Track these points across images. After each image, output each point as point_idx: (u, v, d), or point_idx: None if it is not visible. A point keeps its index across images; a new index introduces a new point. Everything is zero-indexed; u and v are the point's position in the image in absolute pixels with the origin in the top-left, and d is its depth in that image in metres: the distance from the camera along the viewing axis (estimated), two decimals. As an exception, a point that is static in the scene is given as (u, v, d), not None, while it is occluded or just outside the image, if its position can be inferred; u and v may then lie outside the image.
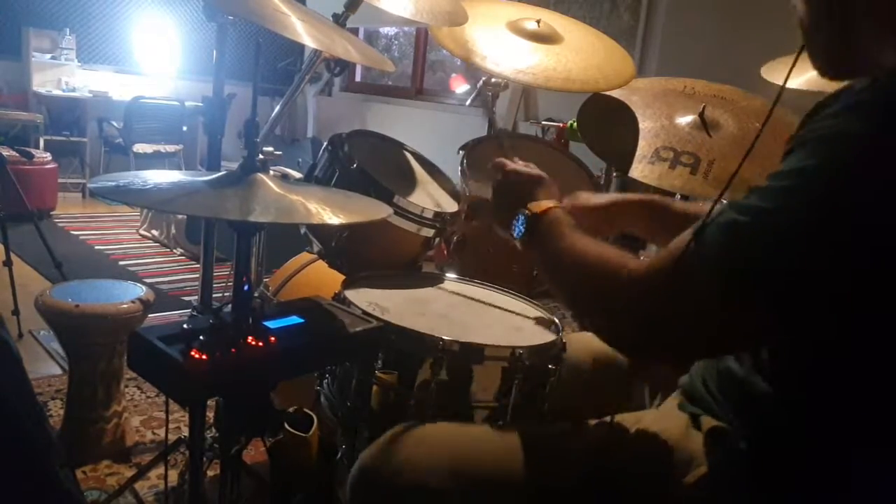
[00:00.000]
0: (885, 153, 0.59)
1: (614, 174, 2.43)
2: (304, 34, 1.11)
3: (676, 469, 0.82)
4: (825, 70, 0.75)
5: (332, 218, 0.95)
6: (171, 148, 5.53)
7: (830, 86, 0.74)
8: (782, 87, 0.79)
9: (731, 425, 0.81)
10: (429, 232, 1.44)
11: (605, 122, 1.82)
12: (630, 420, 0.95)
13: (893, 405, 0.68)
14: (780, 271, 0.63)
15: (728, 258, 0.66)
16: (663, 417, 0.92)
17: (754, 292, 0.64)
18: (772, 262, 0.63)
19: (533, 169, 1.10)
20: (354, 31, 6.04)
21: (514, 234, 1.01)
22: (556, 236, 0.92)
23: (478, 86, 2.08)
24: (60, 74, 5.56)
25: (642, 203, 1.16)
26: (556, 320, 1.26)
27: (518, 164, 1.11)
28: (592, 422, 0.97)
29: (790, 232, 0.63)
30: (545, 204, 0.98)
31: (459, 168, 1.66)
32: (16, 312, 2.64)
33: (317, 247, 1.51)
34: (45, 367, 2.46)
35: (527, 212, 0.99)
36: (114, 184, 0.93)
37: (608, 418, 0.96)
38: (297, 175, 3.00)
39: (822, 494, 0.73)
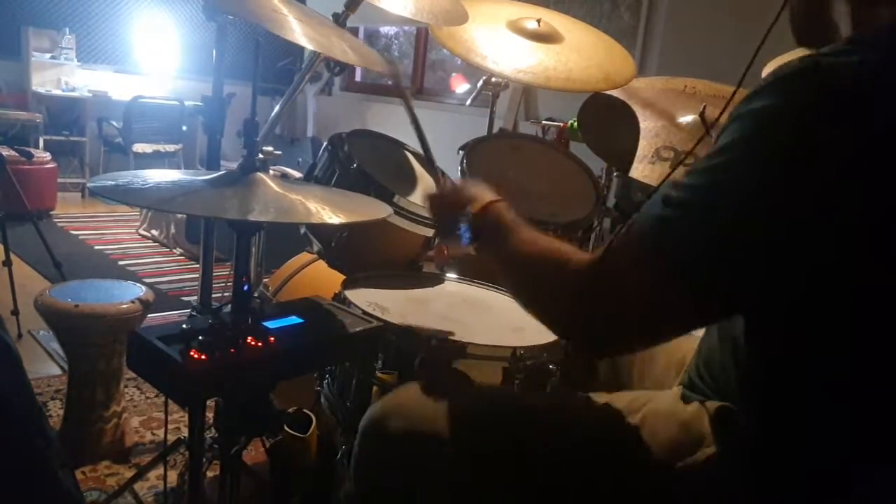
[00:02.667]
0: (802, 122, 0.62)
1: (615, 174, 2.43)
2: (302, 35, 1.11)
3: (685, 447, 0.82)
4: (796, 35, 0.80)
5: (332, 218, 0.95)
6: (170, 147, 5.53)
7: None
8: (745, 72, 0.82)
9: (734, 406, 0.81)
10: (429, 232, 1.44)
11: (606, 121, 1.82)
12: (644, 396, 0.95)
13: (882, 396, 0.69)
14: (709, 252, 0.65)
15: (662, 238, 0.68)
16: (676, 397, 0.91)
17: (685, 273, 0.66)
18: (701, 244, 0.66)
19: (456, 180, 1.09)
20: (354, 31, 6.05)
21: (464, 242, 0.99)
22: (501, 233, 0.92)
23: (478, 85, 2.08)
24: (60, 74, 5.55)
25: None
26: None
27: (444, 184, 1.10)
28: (602, 397, 0.96)
29: (718, 204, 0.65)
30: (483, 200, 0.97)
31: (459, 168, 1.66)
32: (15, 312, 2.64)
33: (317, 247, 1.51)
34: (45, 367, 2.46)
35: (468, 214, 0.97)
36: (113, 183, 0.93)
37: (618, 394, 0.96)
38: (297, 175, 3.00)
39: (827, 479, 0.74)
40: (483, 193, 0.99)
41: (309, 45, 1.12)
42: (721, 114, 0.82)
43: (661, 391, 0.97)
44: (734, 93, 0.82)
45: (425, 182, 1.59)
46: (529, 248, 0.86)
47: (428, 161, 1.33)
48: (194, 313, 1.12)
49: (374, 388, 1.11)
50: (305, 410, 1.34)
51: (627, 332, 0.75)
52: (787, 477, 0.75)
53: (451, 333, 1.13)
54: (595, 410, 0.93)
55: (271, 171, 1.26)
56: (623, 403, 0.93)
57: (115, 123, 5.35)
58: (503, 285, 0.93)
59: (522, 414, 0.93)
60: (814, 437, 0.73)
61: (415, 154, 1.67)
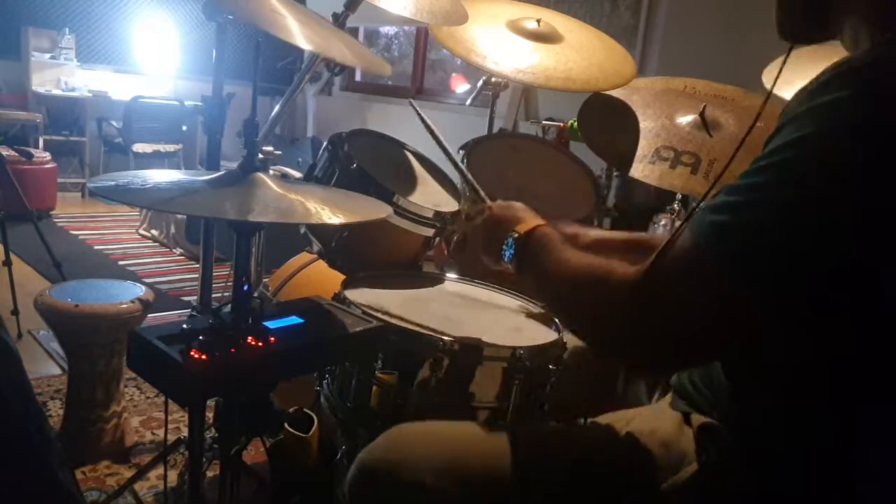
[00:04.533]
0: (879, 114, 0.59)
1: (615, 174, 2.43)
2: (301, 36, 1.11)
3: (668, 467, 0.83)
4: (785, 28, 0.77)
5: (332, 218, 0.95)
6: (170, 147, 5.53)
7: None
8: (772, 85, 0.79)
9: (721, 422, 0.81)
10: (429, 232, 1.44)
11: (606, 121, 1.81)
12: (623, 418, 0.96)
13: (888, 400, 0.68)
14: (780, 249, 0.61)
15: (723, 243, 0.64)
16: (656, 415, 0.92)
17: (754, 276, 0.62)
18: (769, 241, 0.61)
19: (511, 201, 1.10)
20: (354, 31, 6.06)
21: (505, 259, 1.00)
22: (545, 252, 0.92)
23: (478, 85, 2.08)
24: (60, 74, 5.55)
25: (626, 242, 1.17)
26: (557, 320, 1.26)
27: (499, 203, 1.11)
28: (585, 420, 0.98)
29: (791, 204, 0.61)
30: (531, 223, 0.99)
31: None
32: (15, 312, 2.64)
33: (317, 247, 1.51)
34: (45, 367, 2.46)
35: (514, 233, 0.99)
36: (113, 183, 0.92)
37: (599, 417, 0.96)
38: (297, 175, 3.00)
39: (813, 492, 0.73)
40: (531, 216, 1.00)
41: (307, 47, 1.12)
42: (754, 122, 0.77)
43: (642, 408, 0.98)
44: (764, 102, 0.79)
45: (425, 182, 1.59)
46: (572, 262, 0.85)
47: (471, 188, 1.34)
48: (194, 313, 1.12)
49: (374, 388, 1.11)
50: (306, 410, 1.34)
51: (680, 345, 0.70)
52: (782, 490, 0.74)
53: (450, 335, 1.13)
54: (579, 438, 0.94)
55: (271, 171, 1.26)
56: (603, 427, 0.93)
57: (115, 123, 5.36)
58: (548, 306, 0.92)
59: (505, 450, 0.91)
60: (813, 450, 0.72)
61: (415, 153, 1.67)
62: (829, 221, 0.59)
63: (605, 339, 0.78)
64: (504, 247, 1.00)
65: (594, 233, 1.22)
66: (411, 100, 1.51)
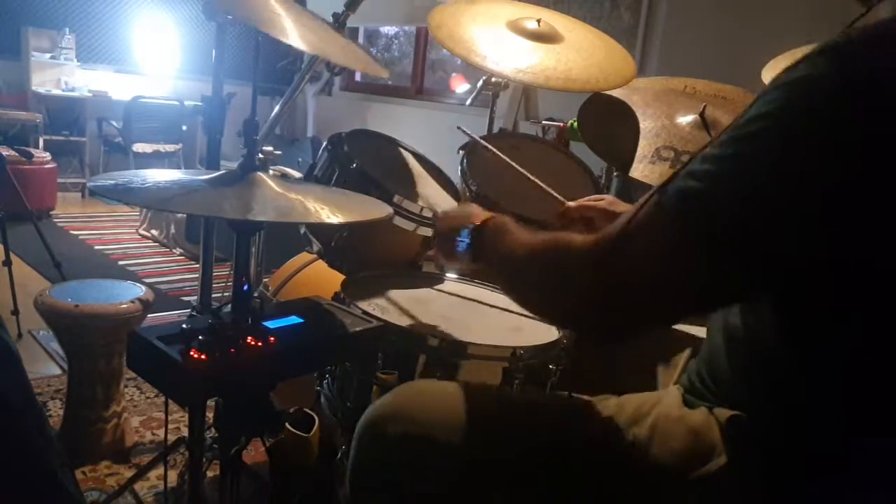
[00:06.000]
0: (850, 91, 0.59)
1: (615, 174, 2.43)
2: (298, 37, 1.11)
3: (697, 456, 0.80)
4: None
5: (332, 217, 0.95)
6: (170, 147, 5.53)
7: None
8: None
9: (745, 416, 0.79)
10: (429, 232, 1.44)
11: (606, 121, 1.81)
12: (651, 400, 0.91)
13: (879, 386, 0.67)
14: (738, 218, 0.62)
15: (686, 208, 0.65)
16: (681, 404, 0.88)
17: (714, 242, 0.63)
18: (730, 210, 0.62)
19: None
20: (354, 30, 6.07)
21: (460, 249, 0.99)
22: (500, 236, 0.91)
23: (478, 85, 2.08)
24: (60, 74, 5.55)
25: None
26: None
27: (446, 212, 1.11)
28: (610, 399, 0.94)
29: (762, 174, 0.61)
30: (485, 215, 0.98)
31: (459, 168, 1.66)
32: (15, 312, 2.64)
33: (316, 247, 1.51)
34: (45, 367, 2.46)
35: (469, 225, 0.98)
36: (113, 183, 0.93)
37: (625, 396, 0.93)
38: (297, 175, 3.00)
39: (839, 485, 0.72)
40: (485, 213, 1.00)
41: (305, 48, 1.12)
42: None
43: (665, 391, 0.95)
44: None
45: (425, 182, 1.59)
46: (529, 240, 0.85)
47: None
48: (194, 313, 1.12)
49: (374, 388, 1.11)
50: (306, 410, 1.34)
51: (646, 306, 0.70)
52: (805, 488, 0.73)
53: (449, 335, 1.13)
54: (602, 412, 0.91)
55: (271, 171, 1.26)
56: (632, 407, 0.90)
57: (115, 123, 5.36)
58: (508, 293, 0.91)
59: (525, 414, 0.91)
60: (835, 443, 0.71)
61: (415, 154, 1.67)
62: (788, 195, 0.60)
63: (573, 312, 0.77)
64: (459, 239, 0.99)
65: (623, 206, 1.21)
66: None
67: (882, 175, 0.58)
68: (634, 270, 0.68)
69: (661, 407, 0.88)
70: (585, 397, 0.96)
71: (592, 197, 1.21)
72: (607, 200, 1.20)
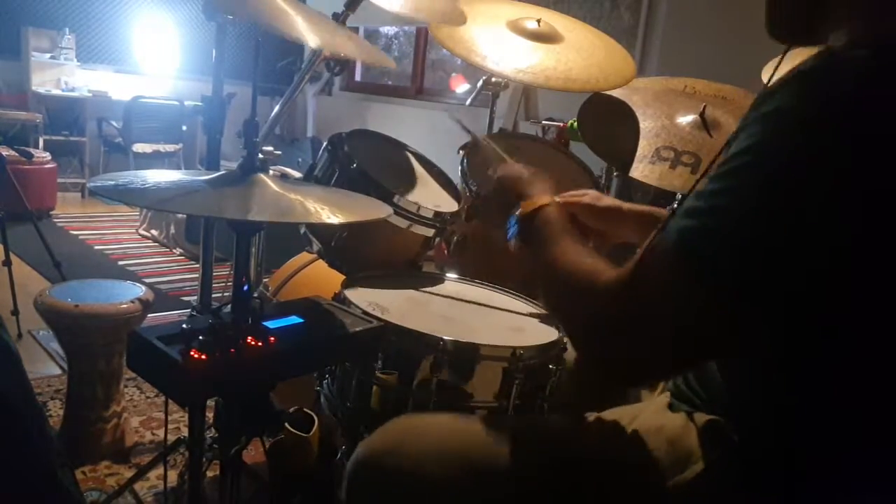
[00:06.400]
0: (820, 123, 0.60)
1: (615, 174, 2.43)
2: (307, 32, 1.11)
3: (674, 465, 0.82)
4: (772, 27, 0.77)
5: (332, 217, 0.95)
6: (170, 147, 5.53)
7: None
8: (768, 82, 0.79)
9: (723, 420, 0.80)
10: (428, 232, 1.44)
11: (606, 121, 1.81)
12: (629, 414, 0.95)
13: (883, 399, 0.68)
14: (736, 253, 0.63)
15: (687, 248, 0.66)
16: (663, 412, 0.91)
17: (717, 279, 0.64)
18: (728, 245, 0.63)
19: (526, 168, 1.10)
20: (354, 31, 6.04)
21: (509, 237, 1.01)
22: (544, 240, 0.92)
23: (478, 85, 2.08)
24: (60, 74, 5.55)
25: (642, 214, 1.16)
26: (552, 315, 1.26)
27: (513, 165, 1.11)
28: (591, 416, 0.97)
29: (744, 212, 0.63)
30: (536, 202, 0.99)
31: (459, 168, 1.66)
32: (15, 312, 2.64)
33: (316, 247, 1.51)
34: (45, 367, 2.46)
35: (518, 212, 0.99)
36: (113, 183, 0.92)
37: (604, 413, 0.95)
38: (297, 175, 3.00)
39: (827, 491, 0.73)
40: (539, 194, 1.00)
41: (315, 42, 1.11)
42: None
43: (646, 403, 0.96)
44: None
45: (425, 182, 1.59)
46: (567, 258, 0.86)
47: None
48: (194, 313, 1.12)
49: (374, 387, 1.11)
50: (306, 410, 1.34)
51: (652, 350, 0.70)
52: (787, 490, 0.74)
53: (449, 335, 1.13)
54: (584, 433, 0.93)
55: (271, 172, 1.26)
56: (609, 423, 0.92)
57: (115, 123, 5.36)
58: (538, 289, 0.92)
59: (514, 440, 0.91)
60: (818, 448, 0.72)
61: (415, 154, 1.67)
62: (776, 226, 0.61)
63: (582, 341, 0.79)
64: (508, 224, 1.01)
65: (611, 202, 1.20)
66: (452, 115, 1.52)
67: (858, 202, 0.59)
68: (642, 310, 0.69)
69: (639, 420, 0.91)
70: (565, 418, 0.97)
71: (576, 192, 1.19)
72: (592, 196, 1.19)
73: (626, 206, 1.19)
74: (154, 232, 4.39)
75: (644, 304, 0.69)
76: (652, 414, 0.92)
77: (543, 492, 0.87)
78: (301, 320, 1.05)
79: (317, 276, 1.81)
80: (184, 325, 0.93)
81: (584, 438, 0.93)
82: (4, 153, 3.31)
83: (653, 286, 0.68)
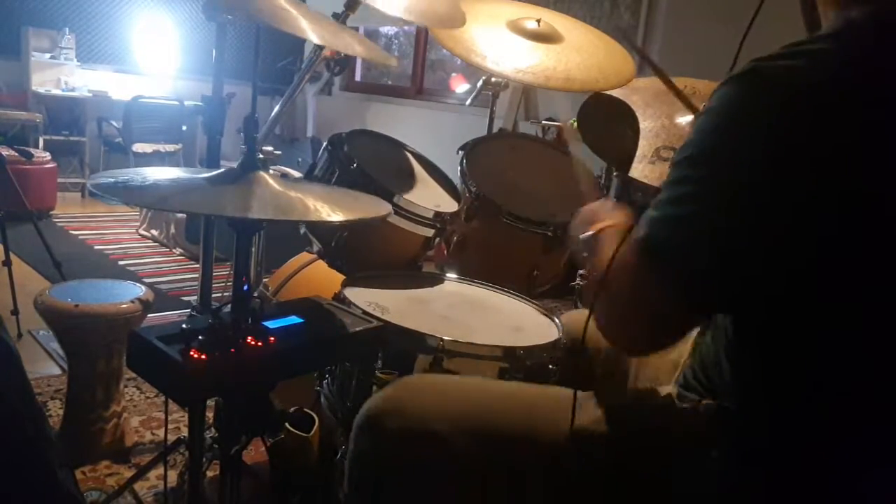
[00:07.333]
0: (757, 114, 0.65)
1: (615, 174, 2.43)
2: (309, 30, 1.11)
3: (684, 449, 0.82)
4: (809, 29, 0.84)
5: (332, 215, 0.95)
6: (170, 147, 5.52)
7: None
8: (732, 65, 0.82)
9: (732, 407, 0.80)
10: (428, 232, 1.44)
11: (606, 121, 1.81)
12: (641, 395, 0.95)
13: (882, 388, 0.69)
14: (684, 240, 0.68)
15: (642, 238, 0.71)
16: (672, 396, 0.90)
17: (666, 263, 0.69)
18: (677, 233, 0.69)
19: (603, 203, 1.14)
20: (354, 31, 6.05)
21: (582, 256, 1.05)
22: (598, 252, 0.95)
23: (478, 85, 2.08)
24: (60, 74, 5.55)
25: None
26: (556, 320, 1.26)
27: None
28: (604, 392, 0.96)
29: (692, 200, 0.68)
30: (599, 225, 1.00)
31: (459, 168, 1.66)
32: (15, 312, 2.64)
33: (316, 247, 1.51)
34: (45, 367, 2.45)
35: (588, 233, 1.01)
36: (112, 180, 0.92)
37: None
38: (297, 175, 3.00)
39: (828, 476, 0.73)
40: (605, 217, 1.02)
41: (317, 40, 1.11)
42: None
43: (659, 388, 0.96)
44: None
45: (425, 182, 1.59)
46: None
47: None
48: (194, 313, 1.12)
49: (374, 388, 1.11)
50: (306, 410, 1.34)
51: (632, 333, 0.78)
52: (794, 476, 0.74)
53: (449, 335, 1.13)
54: (592, 406, 0.92)
55: (271, 171, 1.25)
56: (621, 400, 0.92)
57: (115, 123, 5.35)
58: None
59: (518, 408, 0.92)
60: (823, 433, 0.73)
61: (415, 154, 1.67)
62: (714, 212, 0.67)
63: (603, 332, 0.83)
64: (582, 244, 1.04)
65: None
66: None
67: (801, 184, 0.63)
68: (616, 297, 0.76)
69: (651, 401, 0.91)
70: (577, 390, 0.97)
71: None
72: None
73: None
74: (154, 232, 4.39)
75: (616, 290, 0.75)
76: (662, 398, 0.91)
77: (550, 460, 0.86)
78: (301, 320, 1.05)
79: (317, 276, 1.81)
80: (184, 325, 0.93)
81: (593, 412, 0.91)
82: (4, 153, 3.31)
83: (620, 273, 0.74)
